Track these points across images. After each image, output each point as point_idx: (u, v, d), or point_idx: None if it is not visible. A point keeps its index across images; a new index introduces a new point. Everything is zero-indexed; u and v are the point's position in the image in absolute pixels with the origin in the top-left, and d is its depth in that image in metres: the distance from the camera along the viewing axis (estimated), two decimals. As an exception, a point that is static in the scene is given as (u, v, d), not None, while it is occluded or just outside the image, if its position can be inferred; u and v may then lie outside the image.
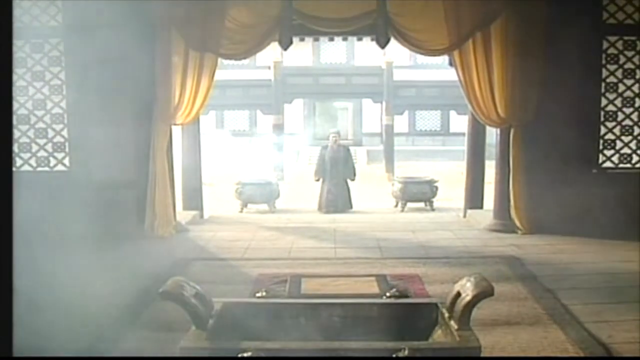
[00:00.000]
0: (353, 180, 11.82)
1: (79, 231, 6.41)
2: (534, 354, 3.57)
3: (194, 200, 8.52)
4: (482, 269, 5.10)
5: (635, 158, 7.23)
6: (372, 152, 27.07)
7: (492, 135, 7.67)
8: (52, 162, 7.19)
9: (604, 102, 7.14)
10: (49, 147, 7.18)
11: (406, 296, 3.66)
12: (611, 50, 7.09)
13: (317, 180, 11.78)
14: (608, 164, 7.24)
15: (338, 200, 11.23)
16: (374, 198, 15.86)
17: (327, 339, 2.89)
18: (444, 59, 7.79)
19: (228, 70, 17.70)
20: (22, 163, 7.09)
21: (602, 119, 7.17)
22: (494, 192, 7.48)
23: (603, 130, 7.18)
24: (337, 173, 11.48)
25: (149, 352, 3.64)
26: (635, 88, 7.14)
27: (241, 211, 13.85)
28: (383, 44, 7.04)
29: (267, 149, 22.98)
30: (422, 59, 24.60)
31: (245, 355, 2.55)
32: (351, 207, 11.41)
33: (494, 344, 3.65)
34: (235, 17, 6.84)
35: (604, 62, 7.10)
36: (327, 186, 11.40)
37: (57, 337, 3.74)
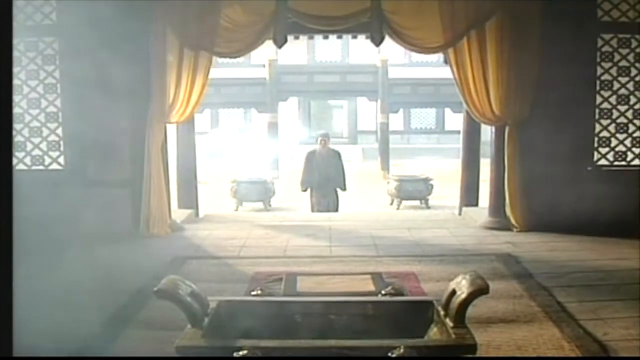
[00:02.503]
0: (344, 190, 10.42)
1: (74, 230, 6.41)
2: (530, 351, 3.57)
3: (189, 198, 8.50)
4: (477, 266, 5.09)
5: (630, 156, 7.25)
6: (368, 150, 27.10)
7: (488, 133, 7.67)
8: (47, 160, 7.18)
9: (598, 99, 7.15)
10: (43, 145, 7.16)
11: (402, 294, 3.67)
12: (606, 48, 7.10)
13: (304, 190, 10.37)
14: (603, 162, 7.24)
15: (330, 210, 9.93)
16: (369, 196, 15.89)
17: (323, 337, 2.89)
18: (439, 56, 7.82)
19: (223, 69, 17.71)
20: (17, 162, 7.07)
21: (597, 116, 7.17)
22: (489, 189, 7.49)
23: (598, 127, 7.19)
24: (327, 181, 10.15)
25: (145, 351, 3.63)
26: (629, 86, 7.14)
27: (236, 209, 13.91)
28: (378, 42, 7.04)
29: (262, 147, 23.00)
30: (417, 56, 24.77)
31: (241, 353, 2.55)
32: None
33: (489, 342, 3.65)
34: (229, 16, 6.83)
35: (598, 59, 7.10)
36: (315, 197, 10.19)
37: (53, 336, 3.74)
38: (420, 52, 7.81)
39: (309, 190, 10.34)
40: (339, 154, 10.59)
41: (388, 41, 7.13)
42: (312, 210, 10.19)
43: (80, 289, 4.74)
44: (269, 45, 7.34)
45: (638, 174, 7.10)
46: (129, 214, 7.14)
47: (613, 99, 7.16)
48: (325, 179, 10.15)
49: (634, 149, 7.25)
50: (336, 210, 10.15)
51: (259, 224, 7.93)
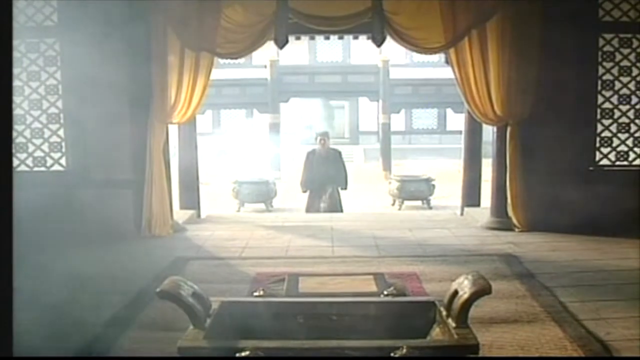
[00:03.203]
0: (345, 189, 10.23)
1: (76, 231, 6.41)
2: (533, 351, 3.57)
3: (191, 199, 8.51)
4: (479, 266, 5.09)
5: (632, 155, 7.24)
6: (369, 151, 27.15)
7: (489, 133, 7.66)
8: (49, 162, 7.18)
9: (600, 99, 7.14)
10: (45, 147, 7.17)
11: (404, 294, 3.67)
12: (607, 48, 7.09)
13: (305, 191, 10.21)
14: (605, 162, 7.24)
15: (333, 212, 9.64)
16: (371, 197, 15.90)
17: (325, 337, 2.89)
18: (440, 56, 7.82)
19: (224, 69, 17.76)
20: (19, 163, 7.07)
21: (598, 116, 7.17)
22: (491, 190, 7.48)
23: (600, 127, 7.19)
24: (327, 182, 9.93)
25: (147, 351, 3.63)
26: (631, 85, 7.13)
27: (238, 210, 13.91)
28: (379, 42, 7.03)
29: (264, 148, 23.02)
30: (418, 57, 24.79)
31: (243, 354, 2.55)
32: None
33: (492, 342, 3.65)
34: (230, 16, 6.83)
35: (600, 59, 7.10)
36: (316, 198, 9.98)
37: (54, 337, 3.74)
38: (422, 53, 7.81)
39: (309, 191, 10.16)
40: (339, 153, 10.40)
41: (389, 41, 7.13)
42: (307, 211, 10.00)
43: (81, 289, 4.75)
44: (270, 46, 7.34)
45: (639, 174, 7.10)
46: (131, 215, 7.15)
47: (614, 99, 7.15)
48: (326, 179, 9.95)
49: (635, 149, 7.24)
50: (340, 211, 9.95)
51: (261, 225, 7.93)
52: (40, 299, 4.26)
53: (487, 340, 3.59)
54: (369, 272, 5.29)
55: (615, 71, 7.12)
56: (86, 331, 3.91)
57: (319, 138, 10.25)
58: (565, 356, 3.52)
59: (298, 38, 9.58)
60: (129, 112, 7.05)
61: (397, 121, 26.69)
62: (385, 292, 3.48)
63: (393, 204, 14.96)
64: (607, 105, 7.16)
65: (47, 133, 7.15)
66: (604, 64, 7.11)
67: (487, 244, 6.57)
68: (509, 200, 7.13)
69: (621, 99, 7.16)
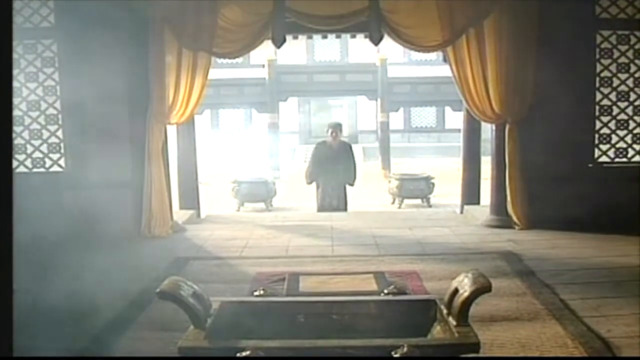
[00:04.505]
0: (352, 185, 9.72)
1: (76, 232, 6.40)
2: (533, 349, 3.56)
3: (191, 199, 8.51)
4: (479, 264, 5.07)
5: (631, 152, 7.25)
6: (368, 150, 27.12)
7: (488, 131, 7.66)
8: (48, 163, 7.17)
9: (598, 96, 7.14)
10: (44, 148, 7.16)
11: (404, 293, 3.67)
12: (605, 45, 7.09)
13: (310, 183, 9.71)
14: (604, 159, 7.24)
15: (337, 208, 9.34)
16: (370, 195, 15.88)
17: (326, 337, 2.88)
18: (439, 54, 7.78)
19: (222, 69, 17.74)
20: (18, 165, 7.06)
21: (597, 113, 7.17)
22: (491, 188, 7.48)
23: (598, 124, 7.19)
24: (335, 176, 9.41)
25: (147, 352, 3.63)
26: (629, 82, 7.14)
27: (238, 210, 13.90)
28: (376, 40, 7.03)
29: (263, 147, 23.03)
30: (416, 55, 24.77)
31: (243, 354, 2.54)
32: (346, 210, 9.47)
33: (492, 340, 3.64)
34: (227, 16, 6.83)
35: (597, 56, 7.10)
36: (323, 191, 9.49)
37: (54, 337, 3.73)
38: (419, 51, 7.80)
39: (315, 187, 9.69)
40: (350, 147, 9.87)
41: (387, 40, 7.13)
42: (319, 210, 9.51)
43: (81, 290, 4.74)
44: (268, 45, 7.33)
45: (639, 170, 7.10)
46: (131, 215, 7.14)
47: (613, 96, 7.15)
48: (333, 174, 9.40)
49: (634, 146, 7.25)
50: (345, 208, 9.49)
51: (261, 224, 7.93)
52: (40, 299, 4.25)
53: (488, 339, 3.58)
54: (369, 270, 5.30)
55: (613, 68, 7.12)
56: (86, 331, 3.90)
57: (330, 130, 9.63)
58: (565, 356, 3.51)
59: (295, 37, 9.58)
60: (128, 112, 7.05)
61: (396, 120, 26.68)
62: (386, 291, 3.48)
63: (393, 203, 14.95)
64: (605, 102, 7.16)
65: (45, 134, 7.14)
66: (602, 61, 7.11)
67: (487, 242, 6.57)
68: (508, 198, 7.13)
69: (619, 96, 7.16)
